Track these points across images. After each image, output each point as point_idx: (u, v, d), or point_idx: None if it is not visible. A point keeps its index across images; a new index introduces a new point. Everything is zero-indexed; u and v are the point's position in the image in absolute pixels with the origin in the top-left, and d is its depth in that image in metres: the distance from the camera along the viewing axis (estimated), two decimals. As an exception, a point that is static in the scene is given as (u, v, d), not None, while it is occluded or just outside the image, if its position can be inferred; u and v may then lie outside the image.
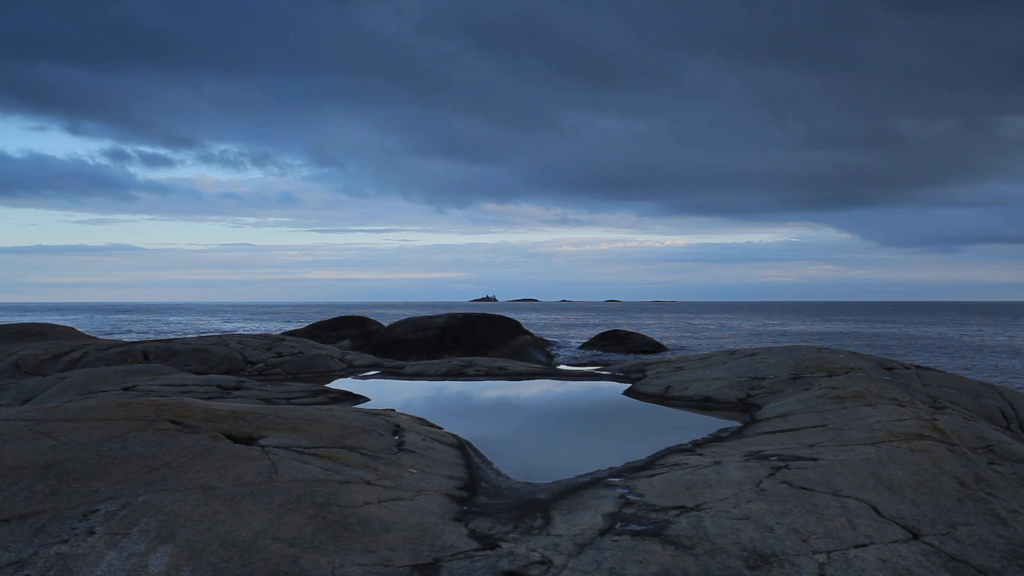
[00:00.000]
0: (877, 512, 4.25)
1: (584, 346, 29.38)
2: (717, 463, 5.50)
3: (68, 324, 25.86)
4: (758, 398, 9.22)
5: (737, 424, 7.92)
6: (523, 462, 6.28)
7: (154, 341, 15.57)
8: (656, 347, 28.45)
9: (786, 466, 5.21)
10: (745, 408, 8.93)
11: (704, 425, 8.03)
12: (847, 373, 9.53)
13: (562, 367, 15.85)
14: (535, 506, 4.73)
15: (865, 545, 3.81)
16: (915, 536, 3.95)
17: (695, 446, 6.58)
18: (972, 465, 5.13)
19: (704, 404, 9.60)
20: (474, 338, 22.22)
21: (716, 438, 7.04)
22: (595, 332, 37.87)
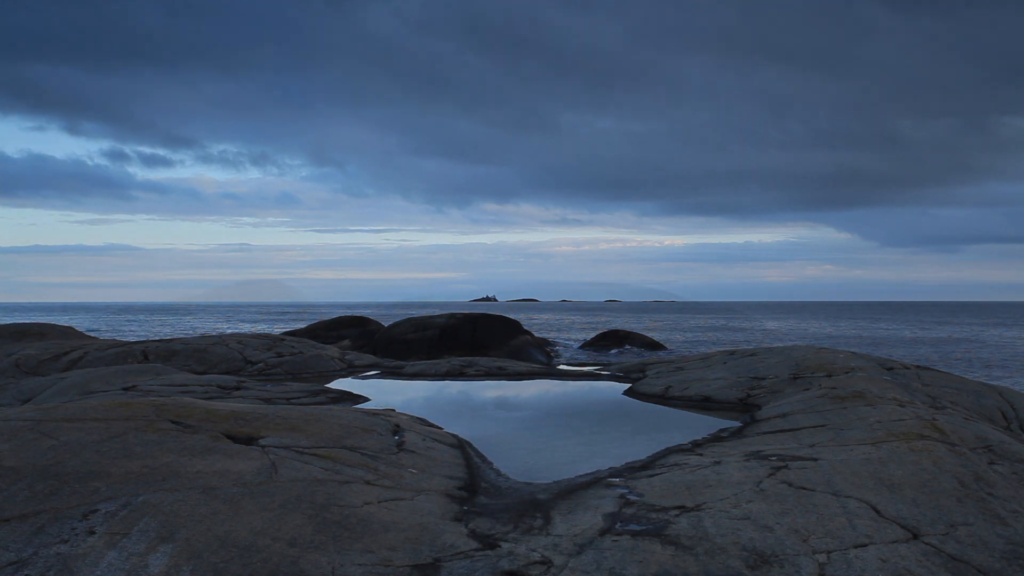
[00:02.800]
0: (877, 512, 4.25)
1: (584, 346, 29.41)
2: (717, 463, 5.50)
3: (68, 324, 25.88)
4: (758, 398, 9.23)
5: (737, 424, 7.93)
6: (523, 462, 6.29)
7: (154, 341, 15.58)
8: (656, 347, 28.48)
9: (786, 466, 5.21)
10: (745, 408, 8.94)
11: (704, 425, 8.04)
12: (847, 373, 9.54)
13: (562, 367, 15.86)
14: (535, 506, 4.73)
15: (865, 545, 3.81)
16: (915, 536, 3.95)
17: (695, 446, 6.58)
18: (972, 465, 5.13)
19: (704, 404, 9.61)
20: (474, 338, 22.22)
21: (716, 438, 7.04)
22: (595, 332, 37.86)
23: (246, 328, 55.28)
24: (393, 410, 8.20)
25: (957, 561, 3.69)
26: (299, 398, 9.55)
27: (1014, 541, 3.94)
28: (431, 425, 7.50)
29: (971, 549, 3.82)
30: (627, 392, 10.83)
